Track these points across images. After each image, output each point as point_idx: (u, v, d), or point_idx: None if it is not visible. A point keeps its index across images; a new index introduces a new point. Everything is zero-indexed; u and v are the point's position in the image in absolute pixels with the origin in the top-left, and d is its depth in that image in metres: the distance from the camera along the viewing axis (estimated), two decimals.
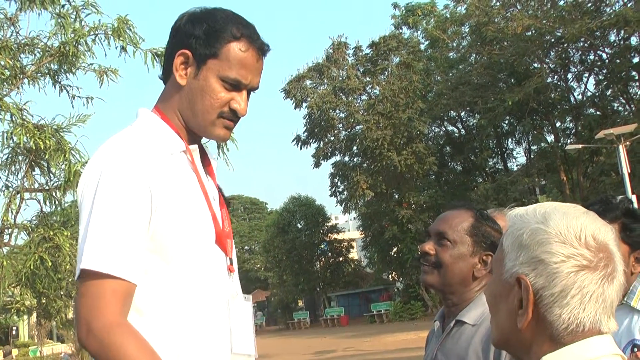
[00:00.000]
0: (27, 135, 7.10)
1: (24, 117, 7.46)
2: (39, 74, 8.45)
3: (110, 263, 1.63)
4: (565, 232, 1.23)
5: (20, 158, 8.19)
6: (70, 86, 8.77)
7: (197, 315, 1.77)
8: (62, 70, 8.59)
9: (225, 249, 1.89)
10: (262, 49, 1.91)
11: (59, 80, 8.68)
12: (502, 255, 1.31)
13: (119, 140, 1.80)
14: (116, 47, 8.30)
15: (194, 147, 1.91)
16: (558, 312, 1.22)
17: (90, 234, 1.65)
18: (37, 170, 8.25)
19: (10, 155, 8.11)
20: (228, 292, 1.88)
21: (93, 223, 1.65)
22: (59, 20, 8.00)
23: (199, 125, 1.89)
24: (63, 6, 8.17)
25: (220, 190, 2.01)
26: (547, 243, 1.23)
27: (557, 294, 1.21)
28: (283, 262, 52.16)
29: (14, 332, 51.67)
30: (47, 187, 8.17)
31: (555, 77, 33.21)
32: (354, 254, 58.69)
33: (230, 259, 1.92)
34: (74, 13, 8.21)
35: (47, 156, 7.43)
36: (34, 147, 7.31)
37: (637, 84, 31.54)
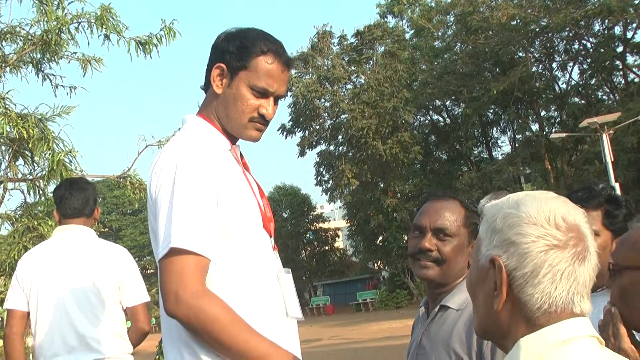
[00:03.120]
0: (10, 124, 7.02)
1: (7, 106, 7.38)
2: (21, 63, 8.35)
3: (194, 242, 1.89)
4: (536, 214, 1.27)
5: (3, 148, 8.12)
6: (54, 75, 8.67)
7: (257, 285, 2.06)
8: (45, 59, 8.49)
9: (269, 231, 2.20)
10: (286, 62, 2.21)
11: (42, 69, 8.59)
12: (479, 243, 1.35)
13: (184, 140, 2.07)
14: (99, 36, 8.22)
15: (237, 146, 2.25)
16: (531, 291, 1.24)
17: (175, 218, 1.91)
18: (21, 160, 8.19)
19: None
20: (276, 266, 2.20)
21: (176, 209, 1.92)
22: (42, 8, 7.90)
23: (233, 128, 2.19)
24: None
25: (256, 182, 2.30)
26: (517, 225, 1.27)
27: (529, 273, 1.24)
28: None
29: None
30: (30, 177, 8.11)
31: (540, 66, 33.35)
32: (339, 243, 58.88)
33: (274, 239, 2.25)
34: (57, 0, 8.11)
35: (30, 145, 7.36)
36: (17, 137, 7.24)
37: (621, 73, 31.71)
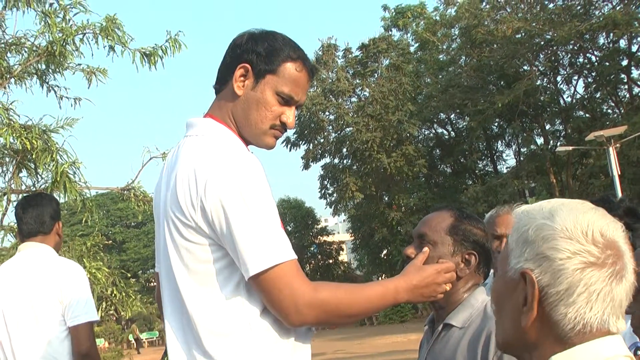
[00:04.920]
0: (14, 135, 6.99)
1: (10, 117, 7.36)
2: (25, 74, 8.34)
3: (285, 252, 1.89)
4: (572, 227, 1.18)
5: (7, 159, 8.08)
6: (58, 86, 8.66)
7: None
8: (50, 70, 8.49)
9: None
10: (312, 72, 2.15)
11: (47, 81, 8.58)
12: (507, 253, 1.27)
13: (220, 149, 1.96)
14: (104, 47, 8.21)
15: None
16: (564, 311, 1.17)
17: (260, 235, 1.86)
18: (25, 172, 8.15)
19: None
20: None
21: (255, 226, 1.86)
22: (46, 20, 7.89)
23: (251, 133, 2.09)
24: (51, 4, 8.08)
25: None
26: (552, 239, 1.18)
27: (563, 291, 1.16)
28: None
29: None
30: (34, 189, 8.07)
31: (545, 79, 33.39)
32: (343, 257, 58.71)
33: None
34: (62, 12, 8.11)
35: (34, 157, 7.33)
36: (20, 148, 7.21)
37: (626, 86, 31.70)
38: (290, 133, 40.73)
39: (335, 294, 1.91)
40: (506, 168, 38.24)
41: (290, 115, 2.10)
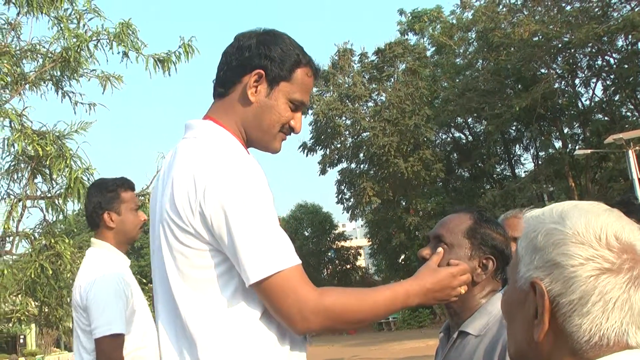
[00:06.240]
0: (26, 141, 7.01)
1: (23, 123, 7.38)
2: (41, 80, 8.37)
3: (288, 257, 1.83)
4: (584, 231, 1.10)
5: (22, 166, 8.11)
6: (73, 92, 8.70)
7: None
8: (65, 77, 8.51)
9: None
10: (317, 74, 2.12)
11: (62, 87, 8.61)
12: (517, 261, 1.19)
13: (220, 152, 1.91)
14: (118, 53, 8.23)
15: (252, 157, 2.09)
16: (578, 321, 1.08)
17: (260, 241, 1.81)
18: (40, 178, 8.17)
19: (12, 163, 8.04)
20: None
21: (257, 231, 1.81)
22: (59, 25, 7.92)
23: (261, 139, 2.08)
24: (66, 10, 8.11)
25: None
26: (563, 244, 1.10)
27: (576, 301, 1.08)
28: None
29: (21, 341, 51.69)
30: (49, 195, 8.08)
31: (563, 82, 33.09)
32: (361, 262, 58.59)
33: None
34: (76, 18, 8.14)
35: (48, 163, 7.34)
36: (33, 154, 7.23)
37: None
38: (306, 138, 40.86)
39: (341, 299, 1.87)
40: (524, 172, 38.01)
41: (298, 120, 2.10)
